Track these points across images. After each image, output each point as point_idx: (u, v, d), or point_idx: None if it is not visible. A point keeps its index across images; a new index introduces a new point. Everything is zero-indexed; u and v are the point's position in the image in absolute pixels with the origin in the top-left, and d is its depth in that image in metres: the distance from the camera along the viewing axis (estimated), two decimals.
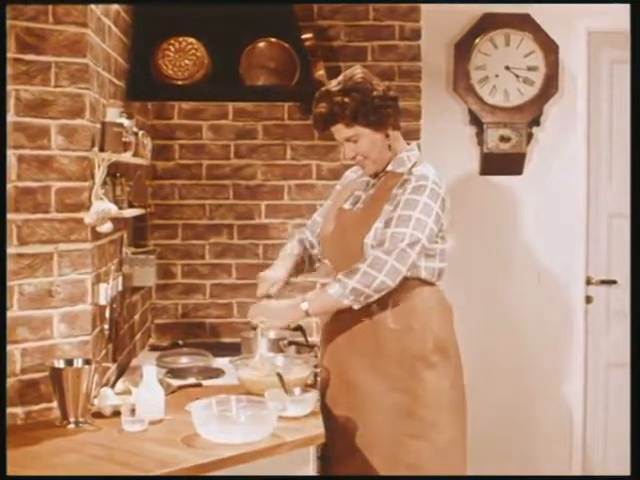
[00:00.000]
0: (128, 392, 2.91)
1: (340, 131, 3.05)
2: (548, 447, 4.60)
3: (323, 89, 3.07)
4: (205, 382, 3.32)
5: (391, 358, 2.99)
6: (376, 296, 2.92)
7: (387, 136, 3.06)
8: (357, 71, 3.08)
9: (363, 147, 3.05)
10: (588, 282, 4.59)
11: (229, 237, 4.33)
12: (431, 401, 2.99)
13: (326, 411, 3.03)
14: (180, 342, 4.08)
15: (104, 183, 2.96)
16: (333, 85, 3.05)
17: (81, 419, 2.74)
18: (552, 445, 4.60)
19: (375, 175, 3.13)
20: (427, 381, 2.99)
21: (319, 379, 3.16)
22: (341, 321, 3.05)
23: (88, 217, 2.85)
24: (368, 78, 3.05)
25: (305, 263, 3.36)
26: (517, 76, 4.44)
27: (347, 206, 3.16)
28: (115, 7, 3.34)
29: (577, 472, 4.59)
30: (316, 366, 3.18)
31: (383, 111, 3.02)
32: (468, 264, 4.44)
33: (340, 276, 2.92)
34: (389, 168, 3.10)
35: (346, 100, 2.98)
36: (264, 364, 3.16)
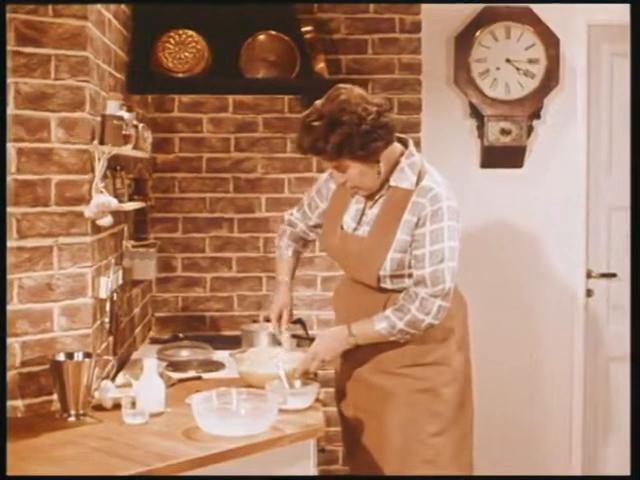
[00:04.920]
0: (129, 385, 2.91)
1: (325, 162, 2.92)
2: (548, 445, 4.59)
3: (305, 118, 2.83)
4: (205, 375, 3.32)
5: (413, 363, 2.96)
6: (422, 333, 2.91)
7: (378, 162, 2.87)
8: (341, 97, 2.81)
9: (353, 177, 2.89)
10: (588, 275, 4.58)
11: (229, 230, 4.33)
12: (452, 398, 2.99)
13: (339, 408, 3.09)
14: (180, 335, 4.08)
15: (104, 176, 2.96)
16: (315, 115, 2.80)
17: (82, 412, 2.74)
18: (552, 443, 4.59)
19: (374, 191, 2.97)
20: (449, 380, 2.99)
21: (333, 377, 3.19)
22: None
23: (88, 210, 2.85)
24: (353, 106, 2.78)
25: (301, 253, 3.37)
26: (518, 69, 4.44)
27: (349, 223, 3.02)
28: None
29: (577, 472, 4.58)
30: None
31: (372, 145, 2.80)
32: (467, 257, 4.42)
33: (389, 313, 2.88)
34: (392, 183, 2.92)
35: (328, 136, 2.76)
36: (264, 357, 3.16)
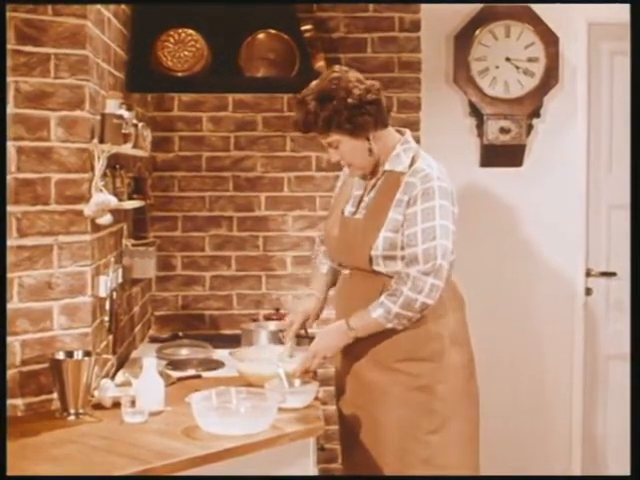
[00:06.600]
0: (128, 384, 2.91)
1: (319, 137, 2.99)
2: (547, 444, 4.59)
3: (300, 95, 2.96)
4: (205, 374, 3.32)
5: (407, 356, 2.96)
6: (419, 315, 2.90)
7: (368, 139, 2.95)
8: (333, 75, 2.94)
9: (344, 153, 2.97)
10: (588, 274, 4.59)
11: (229, 229, 4.34)
12: (449, 395, 2.99)
13: (337, 406, 3.08)
14: (180, 334, 4.08)
15: (104, 175, 2.96)
16: (308, 92, 2.93)
17: (81, 410, 2.74)
18: (551, 442, 4.59)
19: (372, 174, 3.05)
20: (444, 376, 2.98)
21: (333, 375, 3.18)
22: None
23: (88, 209, 2.85)
24: (344, 83, 2.91)
25: (338, 272, 3.28)
26: (517, 67, 4.44)
27: (349, 209, 3.09)
28: None
29: (577, 471, 4.58)
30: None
31: (359, 119, 2.90)
32: (467, 256, 4.43)
33: (383, 299, 2.89)
34: (387, 167, 3.01)
35: (318, 110, 2.88)
36: (264, 356, 3.17)
